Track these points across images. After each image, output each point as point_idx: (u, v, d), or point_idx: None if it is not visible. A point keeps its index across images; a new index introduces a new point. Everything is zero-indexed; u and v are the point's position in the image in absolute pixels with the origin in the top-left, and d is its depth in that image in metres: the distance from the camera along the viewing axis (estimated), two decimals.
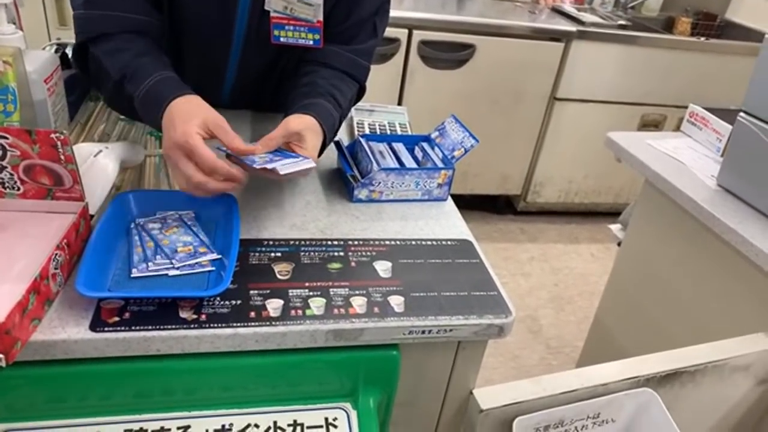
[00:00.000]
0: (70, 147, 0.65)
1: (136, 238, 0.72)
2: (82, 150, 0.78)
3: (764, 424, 1.06)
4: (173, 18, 0.92)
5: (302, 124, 0.81)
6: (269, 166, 0.72)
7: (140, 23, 0.86)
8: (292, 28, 0.92)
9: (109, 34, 0.84)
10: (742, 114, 1.12)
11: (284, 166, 0.73)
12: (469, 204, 2.71)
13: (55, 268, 0.63)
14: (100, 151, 0.79)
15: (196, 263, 0.70)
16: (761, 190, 1.11)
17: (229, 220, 0.76)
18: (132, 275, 0.67)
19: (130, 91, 0.81)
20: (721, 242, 1.11)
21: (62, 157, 0.66)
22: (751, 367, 0.94)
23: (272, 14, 0.90)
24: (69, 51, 1.07)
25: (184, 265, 0.69)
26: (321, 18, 0.92)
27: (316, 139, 0.82)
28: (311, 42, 0.93)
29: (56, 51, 1.01)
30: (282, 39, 0.92)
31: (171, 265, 0.68)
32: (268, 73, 1.05)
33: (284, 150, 0.80)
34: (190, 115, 0.73)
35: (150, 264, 0.68)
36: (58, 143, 0.65)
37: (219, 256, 0.71)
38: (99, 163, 0.77)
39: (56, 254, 0.62)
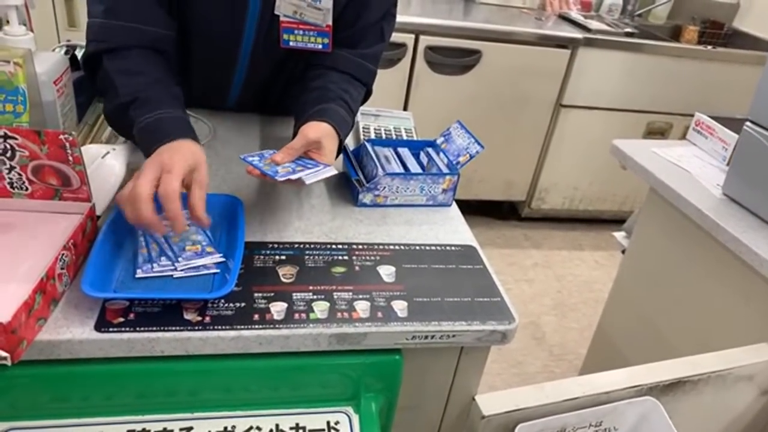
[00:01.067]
0: (79, 148, 0.66)
1: (142, 239, 0.73)
2: (90, 151, 0.78)
3: None
4: (183, 23, 0.92)
5: (320, 132, 0.83)
6: (293, 177, 0.75)
7: (158, 37, 0.86)
8: (301, 32, 0.93)
9: (127, 47, 0.83)
10: (748, 123, 1.12)
11: (308, 176, 0.76)
12: (473, 210, 2.71)
13: (62, 269, 0.63)
14: (108, 152, 0.79)
15: (201, 265, 0.70)
16: (767, 199, 1.11)
17: (234, 222, 0.76)
18: (136, 276, 0.67)
19: (133, 116, 0.78)
20: (725, 251, 1.10)
21: (70, 158, 0.67)
22: (754, 377, 0.93)
23: (282, 19, 0.91)
24: (79, 53, 1.08)
25: (188, 267, 0.69)
26: (330, 22, 0.92)
27: (333, 145, 0.84)
28: (320, 46, 0.94)
29: (66, 53, 1.02)
30: (291, 43, 0.93)
31: (174, 268, 0.69)
32: (275, 76, 1.06)
33: (303, 158, 0.82)
34: (181, 163, 0.69)
35: (155, 265, 0.69)
36: (67, 144, 0.65)
37: (224, 259, 0.71)
38: (106, 165, 0.78)
39: (63, 254, 0.63)
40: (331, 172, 0.79)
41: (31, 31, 0.87)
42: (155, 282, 0.67)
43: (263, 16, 0.93)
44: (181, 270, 0.69)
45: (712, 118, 1.40)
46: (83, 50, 1.06)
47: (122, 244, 0.72)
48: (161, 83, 0.83)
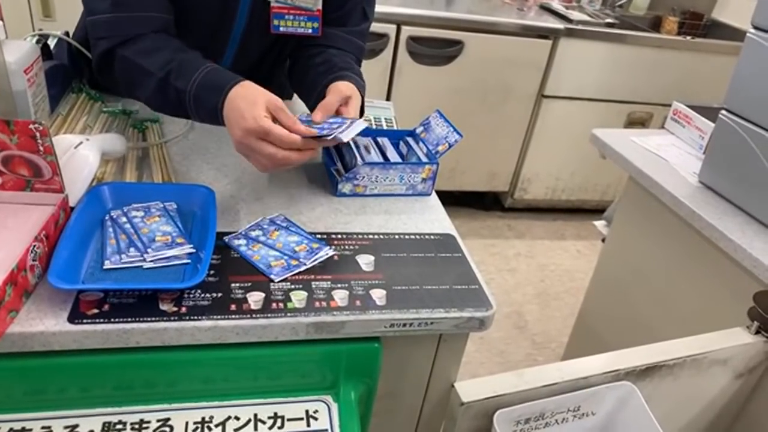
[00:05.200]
0: (50, 138, 0.65)
1: (110, 230, 0.72)
2: (63, 141, 0.77)
3: (741, 417, 1.08)
4: (176, 8, 0.92)
5: (350, 88, 0.87)
6: (330, 136, 0.77)
7: (165, 22, 0.87)
8: (291, 17, 0.94)
9: (140, 35, 0.85)
10: (723, 112, 1.14)
11: (343, 134, 0.77)
12: (456, 200, 2.72)
13: (33, 260, 0.62)
14: (81, 142, 0.78)
15: (172, 256, 0.69)
16: (741, 186, 1.12)
17: (206, 212, 0.75)
18: (104, 267, 0.66)
19: (179, 85, 0.81)
20: (701, 238, 1.12)
21: (41, 148, 0.65)
22: (729, 361, 0.95)
23: (273, 4, 0.91)
24: (51, 42, 1.06)
25: (157, 258, 0.68)
26: (320, 6, 0.94)
27: (358, 103, 0.88)
28: (310, 30, 0.96)
29: (38, 42, 1.00)
30: (281, 29, 0.94)
31: (143, 258, 0.68)
32: (261, 62, 1.07)
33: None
34: (254, 100, 0.75)
35: (123, 256, 0.68)
36: (37, 134, 0.64)
37: (194, 250, 0.70)
38: (80, 155, 0.77)
39: (34, 246, 0.62)
40: (362, 125, 0.80)
41: (1, 19, 0.85)
42: (124, 273, 0.66)
43: (256, 2, 0.93)
44: (150, 261, 0.68)
45: (690, 107, 1.41)
46: (91, 49, 1.02)
47: (90, 235, 0.71)
48: (185, 49, 0.85)
